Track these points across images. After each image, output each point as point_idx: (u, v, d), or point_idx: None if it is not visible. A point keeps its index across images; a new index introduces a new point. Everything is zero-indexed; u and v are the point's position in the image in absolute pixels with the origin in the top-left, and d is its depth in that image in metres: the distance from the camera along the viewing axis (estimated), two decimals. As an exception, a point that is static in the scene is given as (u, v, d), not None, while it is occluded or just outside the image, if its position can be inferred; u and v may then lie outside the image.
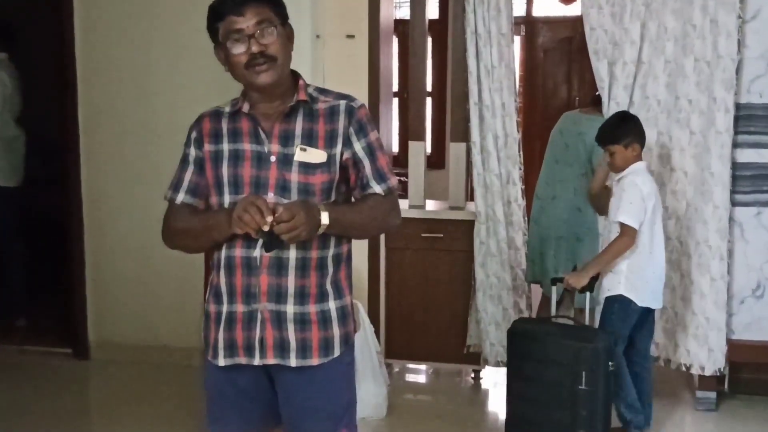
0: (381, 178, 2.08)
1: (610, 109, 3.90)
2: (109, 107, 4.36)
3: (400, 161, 6.53)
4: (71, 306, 4.58)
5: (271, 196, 2.00)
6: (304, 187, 2.01)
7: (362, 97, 4.09)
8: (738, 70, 3.67)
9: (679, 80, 3.77)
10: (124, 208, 4.34)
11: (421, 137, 4.27)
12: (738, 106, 3.70)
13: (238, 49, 1.98)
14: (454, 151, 4.20)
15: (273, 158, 2.02)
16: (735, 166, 3.74)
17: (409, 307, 4.20)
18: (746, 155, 3.74)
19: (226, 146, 2.07)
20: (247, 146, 2.05)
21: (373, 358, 3.77)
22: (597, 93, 4.03)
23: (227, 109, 2.12)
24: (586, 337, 3.26)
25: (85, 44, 4.32)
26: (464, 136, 4.12)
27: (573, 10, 7.41)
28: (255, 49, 1.96)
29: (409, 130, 4.30)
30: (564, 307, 4.04)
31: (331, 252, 2.09)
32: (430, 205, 4.34)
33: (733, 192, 3.74)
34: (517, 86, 4.05)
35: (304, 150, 2.02)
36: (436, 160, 6.93)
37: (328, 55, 4.09)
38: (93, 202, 4.43)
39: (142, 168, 4.23)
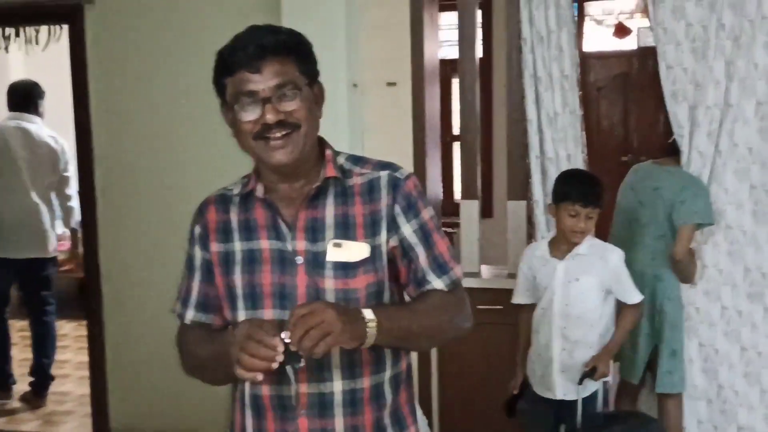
0: (441, 268, 1.61)
1: (691, 159, 3.38)
2: (127, 171, 3.96)
3: (443, 210, 6.06)
4: (92, 390, 4.16)
5: None
6: (344, 294, 1.54)
7: (407, 148, 3.67)
8: None
9: (775, 125, 3.24)
10: (145, 282, 3.92)
11: (474, 195, 3.78)
12: None
13: (249, 116, 1.52)
14: (513, 209, 3.70)
15: (300, 259, 1.55)
16: None
17: (468, 391, 3.68)
18: None
19: (237, 245, 1.61)
20: (264, 244, 1.58)
21: (426, 455, 3.27)
22: (672, 139, 3.51)
23: (236, 191, 1.65)
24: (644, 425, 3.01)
25: (101, 101, 3.94)
26: (524, 192, 3.64)
27: (627, 44, 6.95)
28: (271, 118, 1.50)
29: (462, 187, 3.82)
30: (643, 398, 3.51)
31: (388, 374, 1.60)
32: (486, 271, 3.84)
33: None
34: (584, 136, 3.54)
35: (339, 246, 1.55)
36: (484, 209, 6.43)
37: (368, 105, 3.65)
38: (112, 275, 4.02)
39: (164, 236, 3.81)
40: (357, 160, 1.66)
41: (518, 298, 3.14)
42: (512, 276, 3.70)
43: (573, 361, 2.93)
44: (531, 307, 3.06)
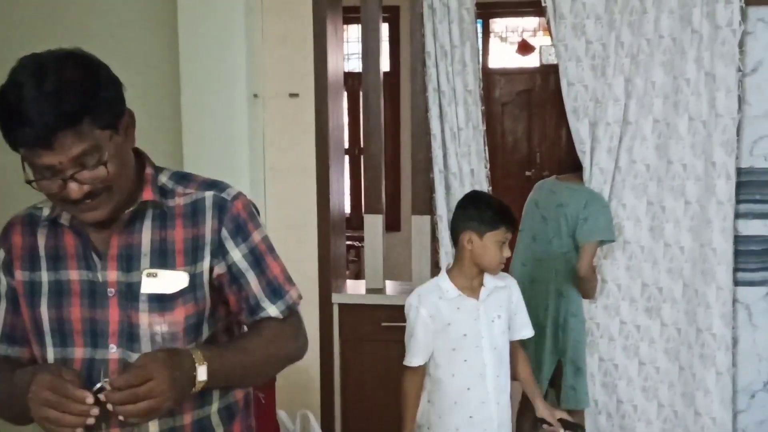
0: (275, 293, 1.52)
1: (593, 175, 3.41)
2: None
3: (352, 224, 6.00)
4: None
5: (113, 350, 1.40)
6: (160, 329, 1.42)
7: (310, 159, 3.56)
8: (738, 131, 3.21)
9: (671, 142, 3.30)
10: None
11: (378, 209, 3.72)
12: (739, 171, 3.24)
13: (50, 187, 1.34)
14: (417, 224, 3.65)
15: (111, 291, 1.42)
16: (738, 239, 3.26)
17: (370, 409, 3.59)
18: (751, 227, 3.27)
19: (44, 275, 1.44)
20: (74, 274, 1.43)
21: (327, 477, 3.15)
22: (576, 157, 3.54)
23: (45, 213, 1.47)
24: None
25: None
26: (428, 207, 3.59)
27: (531, 62, 7.06)
28: (75, 194, 1.32)
29: (365, 201, 3.75)
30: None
31: (214, 407, 1.49)
32: (391, 287, 3.77)
33: (736, 270, 3.25)
34: (486, 150, 3.53)
35: (154, 275, 1.42)
36: (392, 223, 6.41)
37: (269, 116, 3.55)
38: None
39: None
40: (182, 178, 1.52)
41: (418, 359, 2.53)
42: (416, 292, 3.64)
43: (506, 414, 2.57)
44: (422, 368, 2.56)
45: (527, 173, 6.78)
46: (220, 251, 1.46)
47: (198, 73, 3.29)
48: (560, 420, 2.57)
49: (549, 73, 6.74)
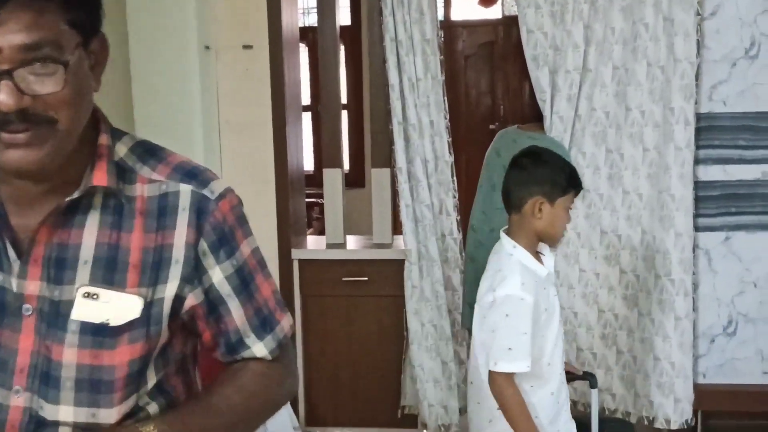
0: (264, 325, 1.15)
1: (552, 124, 3.38)
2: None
3: (316, 181, 5.94)
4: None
5: (18, 395, 1.01)
6: (90, 374, 1.01)
7: (266, 114, 3.48)
8: (697, 76, 3.19)
9: (630, 89, 3.27)
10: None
11: (337, 163, 3.66)
12: (699, 117, 3.22)
13: None
14: (377, 178, 3.61)
15: (29, 309, 1.01)
16: (697, 185, 3.25)
17: (332, 365, 3.58)
18: (711, 173, 3.27)
19: None
20: None
21: (289, 433, 3.13)
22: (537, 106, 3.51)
23: None
24: None
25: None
26: (388, 160, 3.55)
27: (493, 13, 6.98)
28: (7, 103, 0.91)
29: (323, 155, 3.69)
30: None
31: None
32: (352, 242, 3.73)
33: (696, 215, 3.26)
34: (446, 101, 3.48)
35: (94, 296, 1.01)
36: (356, 179, 6.36)
37: (222, 69, 3.46)
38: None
39: None
40: (148, 153, 1.09)
41: (528, 360, 2.08)
42: (378, 246, 3.62)
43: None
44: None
45: (491, 126, 6.73)
46: (195, 273, 1.07)
47: (146, 23, 3.18)
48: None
49: (512, 24, 6.66)
